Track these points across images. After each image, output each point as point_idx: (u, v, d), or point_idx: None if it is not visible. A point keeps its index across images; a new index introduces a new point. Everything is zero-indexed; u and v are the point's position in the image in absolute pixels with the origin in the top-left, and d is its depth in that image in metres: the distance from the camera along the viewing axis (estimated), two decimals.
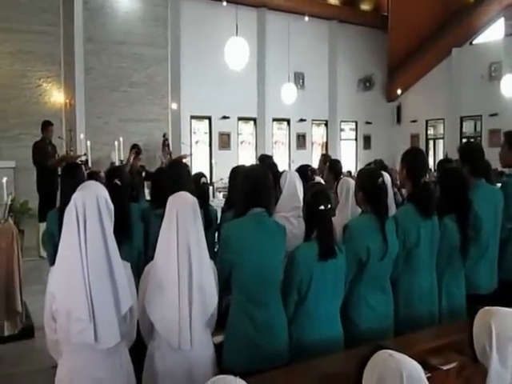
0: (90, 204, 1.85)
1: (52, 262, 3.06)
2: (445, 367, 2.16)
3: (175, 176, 2.91)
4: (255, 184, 2.36)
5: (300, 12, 13.71)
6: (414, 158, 2.96)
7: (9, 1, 9.59)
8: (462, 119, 15.57)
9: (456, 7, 14.44)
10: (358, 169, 12.48)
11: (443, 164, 4.66)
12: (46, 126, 7.39)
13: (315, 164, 6.77)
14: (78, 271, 1.82)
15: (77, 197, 1.87)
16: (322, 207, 2.37)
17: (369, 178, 2.69)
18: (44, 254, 5.23)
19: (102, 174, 4.40)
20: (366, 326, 2.50)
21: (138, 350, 2.17)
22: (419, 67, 15.71)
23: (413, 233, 2.71)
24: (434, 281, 2.81)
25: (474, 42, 15.36)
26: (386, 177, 3.14)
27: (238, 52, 8.05)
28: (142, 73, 11.31)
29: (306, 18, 13.80)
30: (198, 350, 2.08)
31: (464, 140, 15.16)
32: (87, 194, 1.89)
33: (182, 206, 2.08)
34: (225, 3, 11.70)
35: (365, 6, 16.43)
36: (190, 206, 2.10)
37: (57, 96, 10.38)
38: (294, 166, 8.77)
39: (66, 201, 2.79)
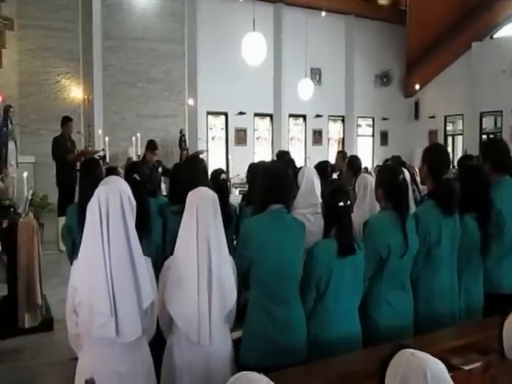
0: (113, 200, 1.86)
1: (70, 256, 3.12)
2: (466, 367, 2.13)
3: (192, 171, 2.91)
4: (275, 180, 2.34)
5: (317, 7, 13.60)
6: (436, 154, 2.91)
7: None
8: (481, 115, 15.27)
9: (476, 0, 14.14)
10: (375, 165, 12.38)
11: (464, 161, 4.57)
12: (66, 121, 7.49)
13: (331, 160, 6.70)
14: (100, 266, 1.83)
15: (100, 192, 1.88)
16: (342, 203, 2.35)
17: (390, 174, 2.66)
18: (63, 247, 5.30)
19: (120, 170, 4.44)
20: (386, 323, 2.48)
21: (157, 344, 2.18)
22: (438, 62, 15.45)
23: (434, 231, 2.66)
24: (455, 279, 2.77)
25: (494, 36, 15.03)
26: (406, 173, 3.10)
27: (254, 47, 8.01)
28: (159, 69, 11.38)
29: (323, 13, 13.68)
30: (216, 345, 2.08)
31: (484, 136, 14.88)
32: (111, 189, 1.90)
33: (201, 201, 2.09)
34: None
35: (382, 1, 16.21)
36: (209, 201, 2.10)
37: (75, 92, 10.52)
38: (310, 163, 8.71)
39: (84, 196, 2.83)
